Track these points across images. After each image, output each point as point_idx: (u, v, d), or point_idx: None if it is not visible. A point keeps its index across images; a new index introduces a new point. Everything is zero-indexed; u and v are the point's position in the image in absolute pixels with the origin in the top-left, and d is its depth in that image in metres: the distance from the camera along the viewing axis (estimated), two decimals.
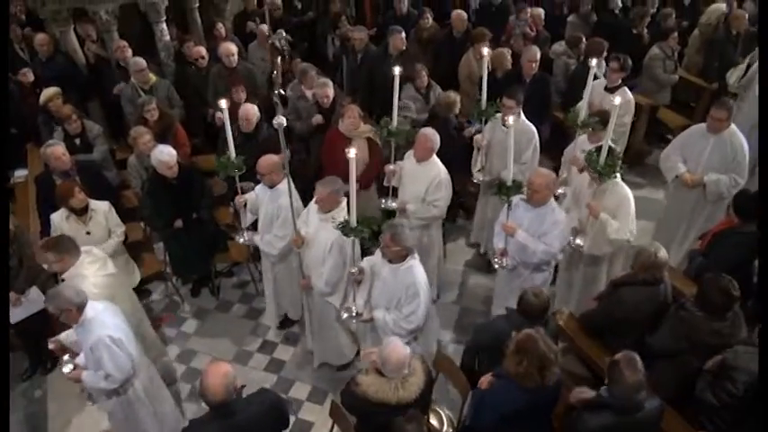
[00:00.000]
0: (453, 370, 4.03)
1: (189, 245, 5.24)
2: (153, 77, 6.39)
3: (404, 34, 6.63)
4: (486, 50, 5.32)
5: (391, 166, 4.92)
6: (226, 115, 4.19)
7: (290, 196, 4.07)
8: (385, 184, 5.06)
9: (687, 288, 4.24)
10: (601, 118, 4.84)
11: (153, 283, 5.81)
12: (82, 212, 4.70)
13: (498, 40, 7.45)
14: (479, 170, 5.45)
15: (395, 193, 5.05)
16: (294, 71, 6.54)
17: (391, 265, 3.84)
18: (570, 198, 4.83)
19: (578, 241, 4.41)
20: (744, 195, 4.51)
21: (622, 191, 4.38)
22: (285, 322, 5.37)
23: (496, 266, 4.43)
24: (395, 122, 4.71)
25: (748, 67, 5.94)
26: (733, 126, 4.86)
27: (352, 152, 3.50)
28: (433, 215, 4.93)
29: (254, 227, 4.82)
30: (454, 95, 5.81)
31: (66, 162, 5.04)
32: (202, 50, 6.73)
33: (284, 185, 4.25)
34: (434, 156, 4.84)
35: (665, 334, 3.69)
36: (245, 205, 4.72)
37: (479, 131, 5.47)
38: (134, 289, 5.24)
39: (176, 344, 5.29)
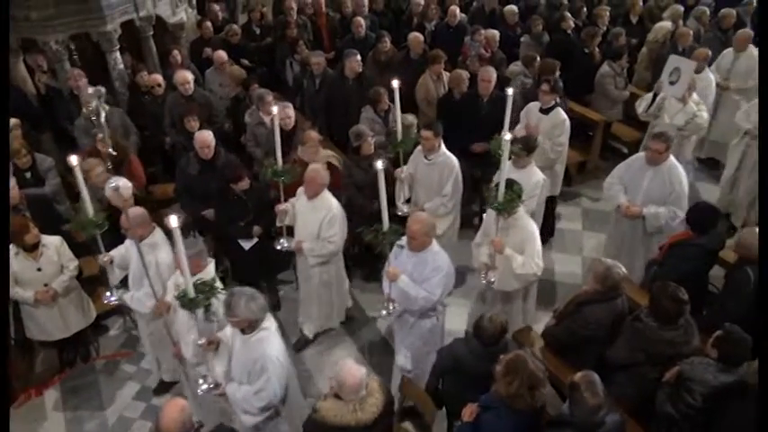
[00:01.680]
0: (419, 393, 4.00)
1: None
2: (106, 106, 6.27)
3: (359, 57, 6.68)
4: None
5: (281, 206, 4.74)
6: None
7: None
8: (277, 224, 4.87)
9: (644, 300, 4.32)
10: (524, 144, 4.88)
11: (110, 318, 5.62)
12: (32, 248, 4.54)
13: (455, 61, 7.59)
14: (404, 202, 5.34)
15: (290, 232, 4.89)
16: (252, 97, 6.50)
17: (242, 335, 3.49)
18: (481, 233, 4.66)
19: (490, 278, 4.25)
20: (697, 209, 4.64)
21: (527, 225, 4.33)
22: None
23: (383, 313, 4.06)
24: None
25: (655, 95, 6.02)
26: (672, 158, 4.90)
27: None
28: (330, 251, 4.76)
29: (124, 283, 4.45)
30: (411, 118, 5.86)
31: (15, 197, 4.88)
32: (158, 78, 6.65)
33: (155, 238, 4.17)
34: (326, 191, 4.71)
35: (622, 346, 3.75)
36: (112, 262, 4.40)
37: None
38: (91, 325, 5.11)
39: (136, 380, 5.12)
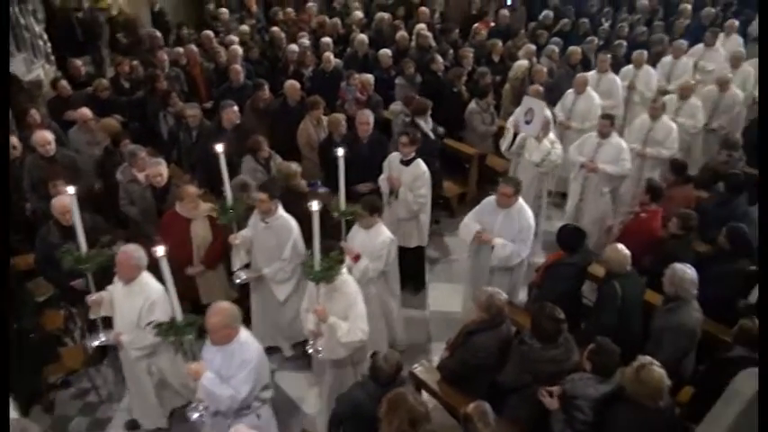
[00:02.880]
0: None
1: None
2: None
3: (236, 107, 6.61)
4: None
5: (92, 297, 4.25)
6: None
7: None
8: (91, 316, 4.38)
9: (527, 321, 4.54)
10: (368, 205, 4.77)
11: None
12: None
13: (333, 105, 7.75)
14: (242, 268, 5.07)
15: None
16: (123, 154, 6.19)
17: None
18: (307, 298, 4.44)
19: (317, 346, 4.09)
20: (565, 231, 5.01)
21: (350, 289, 4.19)
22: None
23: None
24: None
25: (515, 135, 6.37)
26: (520, 201, 5.13)
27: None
28: (153, 342, 4.18)
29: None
30: (295, 167, 5.84)
31: None
32: (13, 140, 6.14)
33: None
34: (145, 274, 4.25)
35: (510, 370, 3.90)
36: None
37: (319, 193, 5.56)
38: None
39: None
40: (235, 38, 9.28)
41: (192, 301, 5.29)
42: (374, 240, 4.79)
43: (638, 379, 3.30)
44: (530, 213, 5.13)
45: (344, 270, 4.22)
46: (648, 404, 3.26)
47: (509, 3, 11.62)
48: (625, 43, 9.17)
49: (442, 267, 6.81)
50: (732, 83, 7.70)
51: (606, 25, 10.36)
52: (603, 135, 6.30)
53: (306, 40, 9.25)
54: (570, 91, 7.57)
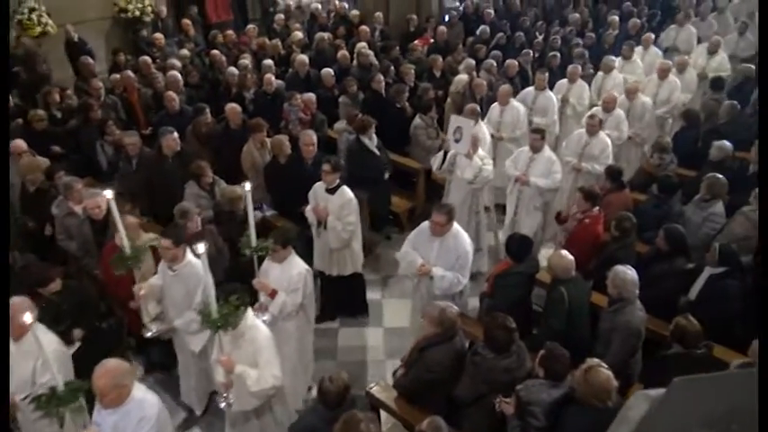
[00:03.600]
0: None
1: None
2: None
3: (176, 134, 6.47)
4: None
5: None
6: None
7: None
8: None
9: (480, 332, 4.58)
10: (279, 237, 4.59)
11: None
12: None
13: (277, 126, 7.70)
14: (153, 320, 4.76)
15: None
16: (58, 187, 5.95)
17: None
18: (217, 348, 4.04)
19: (229, 398, 3.88)
20: (513, 240, 5.10)
21: (257, 333, 3.94)
22: None
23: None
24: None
25: (445, 153, 6.33)
26: (455, 228, 4.97)
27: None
28: None
29: None
30: (240, 190, 5.75)
31: None
32: None
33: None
34: (39, 327, 3.70)
35: (466, 382, 3.92)
36: None
37: (265, 217, 5.49)
38: None
39: None
40: (176, 62, 9.09)
41: (139, 338, 5.13)
42: (289, 273, 4.62)
43: (587, 381, 3.37)
44: (466, 238, 5.02)
45: (250, 313, 3.96)
46: (597, 405, 3.33)
47: (446, 19, 11.86)
48: (559, 54, 9.50)
49: (394, 283, 6.79)
50: (642, 93, 7.98)
51: (540, 38, 10.71)
52: (535, 150, 6.37)
53: (247, 62, 9.16)
54: (495, 104, 7.72)
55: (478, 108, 7.20)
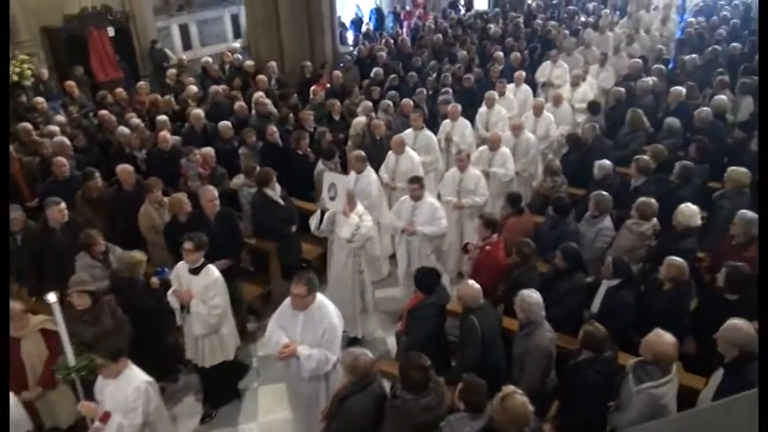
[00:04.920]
0: None
1: None
2: None
3: (63, 203, 6.06)
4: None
5: None
6: None
7: None
8: None
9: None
10: (105, 350, 4.06)
11: None
12: None
13: (176, 184, 7.45)
14: None
15: None
16: None
17: None
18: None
19: None
20: (421, 273, 5.16)
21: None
22: None
23: None
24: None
25: (322, 213, 6.05)
26: (319, 299, 4.54)
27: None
28: None
29: None
30: (139, 255, 5.48)
31: None
32: None
33: None
34: None
35: (388, 427, 3.87)
36: None
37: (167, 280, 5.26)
38: None
39: None
40: (54, 128, 8.60)
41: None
42: (125, 390, 4.01)
43: (504, 409, 3.42)
44: (331, 310, 4.56)
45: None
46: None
47: (341, 64, 12.12)
48: (451, 90, 9.94)
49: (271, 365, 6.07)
50: (526, 129, 8.22)
51: (433, 76, 11.17)
52: (416, 198, 6.29)
53: (138, 121, 8.85)
54: (390, 153, 7.61)
55: (363, 153, 7.20)
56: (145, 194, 6.54)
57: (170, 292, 5.16)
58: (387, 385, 4.34)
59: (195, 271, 5.09)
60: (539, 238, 5.90)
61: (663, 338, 3.95)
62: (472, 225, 6.92)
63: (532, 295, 4.55)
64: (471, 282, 4.85)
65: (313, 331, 4.48)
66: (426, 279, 5.10)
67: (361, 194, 6.88)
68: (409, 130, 8.23)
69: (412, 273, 6.22)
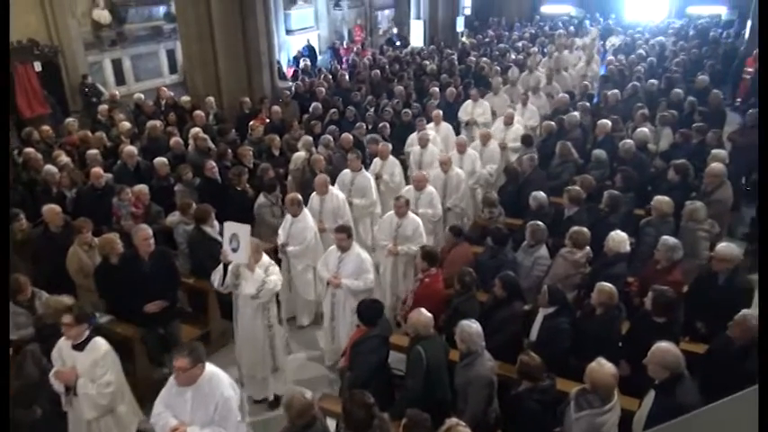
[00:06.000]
0: None
1: None
2: None
3: None
4: None
5: None
6: None
7: None
8: None
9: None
10: None
11: None
12: None
13: (109, 223, 7.18)
14: None
15: None
16: None
17: None
18: None
19: None
20: (363, 305, 5.14)
21: None
22: None
23: None
24: None
25: (225, 266, 5.54)
26: (209, 370, 4.10)
27: None
28: None
29: None
30: (67, 300, 5.20)
31: None
32: None
33: None
34: None
35: None
36: None
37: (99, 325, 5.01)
38: None
39: None
40: None
41: None
42: None
43: None
44: (223, 380, 4.17)
45: None
46: None
47: (280, 99, 12.14)
48: (389, 125, 10.11)
49: None
50: (454, 164, 8.14)
51: (371, 111, 11.36)
52: (343, 249, 5.98)
53: (65, 159, 8.51)
54: (314, 194, 7.34)
55: (299, 197, 6.96)
56: (74, 236, 6.26)
57: (51, 373, 4.58)
58: (332, 423, 4.28)
59: (79, 347, 4.58)
60: (478, 268, 6.02)
61: (603, 368, 4.07)
62: (406, 272, 6.85)
63: (472, 326, 4.61)
64: (423, 310, 4.86)
65: (205, 407, 4.05)
66: (369, 311, 5.08)
67: (296, 238, 6.77)
68: (347, 171, 8.01)
69: (335, 326, 6.15)
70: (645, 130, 9.07)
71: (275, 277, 5.56)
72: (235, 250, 5.29)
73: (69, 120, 10.82)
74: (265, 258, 5.65)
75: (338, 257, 6.04)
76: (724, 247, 5.53)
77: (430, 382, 4.69)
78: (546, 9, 26.37)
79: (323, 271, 6.17)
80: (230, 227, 5.37)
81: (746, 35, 17.11)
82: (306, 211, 7.03)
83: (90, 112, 12.38)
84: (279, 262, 6.52)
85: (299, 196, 7.04)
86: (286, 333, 6.26)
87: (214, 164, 8.19)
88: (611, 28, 21.72)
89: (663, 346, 4.10)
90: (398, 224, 6.81)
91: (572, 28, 20.89)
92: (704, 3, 22.53)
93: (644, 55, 15.51)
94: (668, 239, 5.63)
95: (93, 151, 8.70)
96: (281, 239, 6.93)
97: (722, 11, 22.03)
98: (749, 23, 17.15)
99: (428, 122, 10.05)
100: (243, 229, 5.30)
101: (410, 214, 6.86)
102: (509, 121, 10.19)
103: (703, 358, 4.91)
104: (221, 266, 5.47)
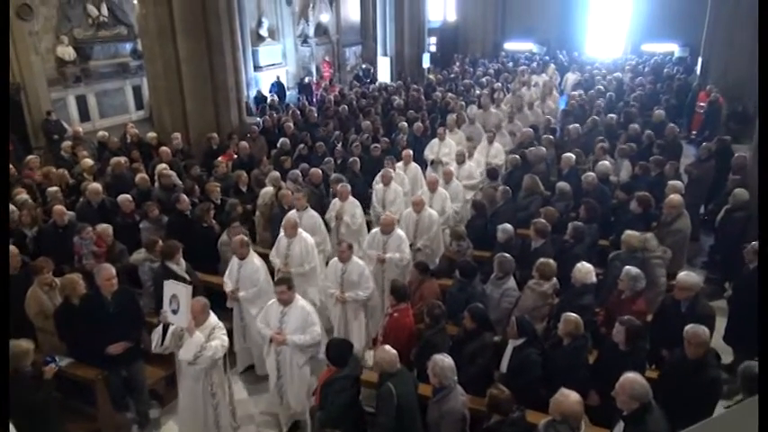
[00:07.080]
0: None
1: None
2: None
3: None
4: None
5: None
6: None
7: None
8: None
9: None
10: None
11: None
12: None
13: (71, 263, 6.99)
14: None
15: None
16: None
17: None
18: None
19: None
20: (332, 345, 5.09)
21: None
22: None
23: None
24: None
25: (165, 328, 5.21)
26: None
27: None
28: None
29: None
30: (26, 345, 5.02)
31: None
32: None
33: None
34: None
35: None
36: None
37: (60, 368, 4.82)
38: None
39: None
40: None
41: None
42: None
43: None
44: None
45: None
46: None
47: (248, 135, 12.12)
48: (358, 160, 10.17)
49: None
50: (427, 205, 7.99)
51: (339, 146, 11.43)
52: (285, 303, 5.57)
53: (25, 196, 8.30)
54: (282, 235, 7.10)
55: (246, 238, 6.76)
56: (33, 276, 6.06)
57: None
58: None
59: None
60: (448, 301, 6.04)
61: (569, 398, 4.10)
62: (357, 323, 6.69)
63: (445, 360, 4.61)
64: (387, 347, 4.83)
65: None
66: (338, 351, 5.03)
67: (246, 282, 6.49)
68: (293, 211, 7.67)
69: (282, 385, 5.76)
70: (606, 162, 9.35)
71: (217, 342, 5.16)
72: (174, 312, 4.97)
73: (30, 157, 10.61)
74: (212, 319, 5.31)
75: (280, 312, 5.59)
76: (685, 275, 5.69)
77: (401, 418, 4.64)
78: (509, 46, 27.25)
79: (264, 329, 5.67)
80: (170, 287, 5.04)
81: (698, 71, 17.98)
82: (253, 252, 6.74)
83: (53, 148, 12.14)
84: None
85: (247, 238, 6.77)
86: (231, 406, 5.79)
87: (186, 198, 8.10)
88: (566, 65, 22.38)
89: (630, 376, 4.15)
90: (343, 270, 6.50)
91: (534, 64, 21.54)
92: (658, 40, 23.59)
93: (602, 90, 16.08)
94: (631, 269, 5.76)
95: (54, 188, 8.53)
96: (228, 287, 6.56)
97: (675, 48, 23.10)
98: (700, 60, 18.05)
99: (398, 161, 10.06)
100: (184, 290, 4.94)
101: (354, 259, 6.56)
102: (462, 160, 10.12)
103: (660, 379, 5.01)
104: (161, 326, 5.16)
